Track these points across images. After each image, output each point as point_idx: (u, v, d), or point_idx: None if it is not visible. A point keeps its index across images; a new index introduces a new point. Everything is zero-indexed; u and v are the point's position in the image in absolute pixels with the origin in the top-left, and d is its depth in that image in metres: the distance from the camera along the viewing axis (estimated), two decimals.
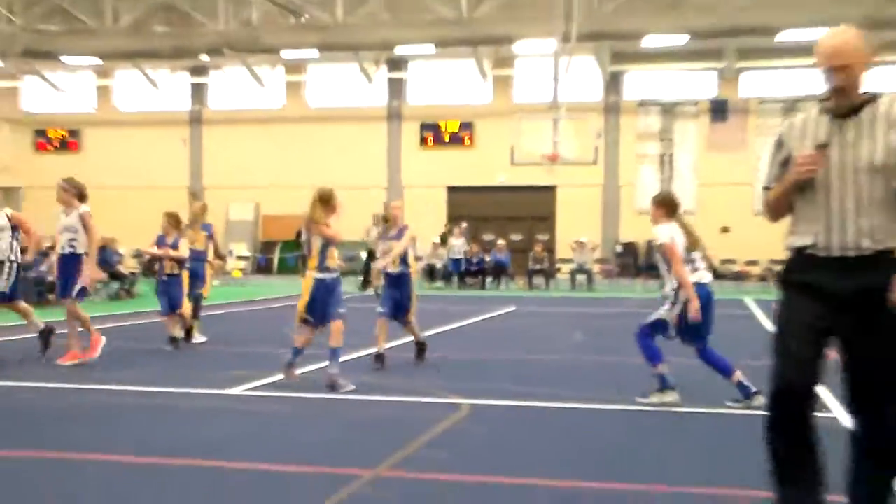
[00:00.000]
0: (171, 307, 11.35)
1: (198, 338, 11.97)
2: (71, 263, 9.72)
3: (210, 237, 12.48)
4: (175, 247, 11.41)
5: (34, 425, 6.90)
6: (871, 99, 3.80)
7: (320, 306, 8.32)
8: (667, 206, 7.58)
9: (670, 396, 7.39)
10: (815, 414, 3.78)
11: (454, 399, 7.79)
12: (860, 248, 3.73)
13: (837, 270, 3.76)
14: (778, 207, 4.01)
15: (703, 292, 7.34)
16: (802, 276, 3.87)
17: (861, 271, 3.73)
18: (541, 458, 5.87)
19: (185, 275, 11.54)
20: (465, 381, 8.83)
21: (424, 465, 5.58)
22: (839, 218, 3.76)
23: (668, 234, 7.37)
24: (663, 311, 7.41)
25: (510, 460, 5.82)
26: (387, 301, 9.81)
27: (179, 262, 11.44)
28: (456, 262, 26.86)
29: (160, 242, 11.50)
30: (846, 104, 3.80)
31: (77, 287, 9.69)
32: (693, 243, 7.51)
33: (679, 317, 7.29)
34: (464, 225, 28.16)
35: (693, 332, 7.33)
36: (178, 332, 11.45)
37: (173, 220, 11.60)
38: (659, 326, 7.44)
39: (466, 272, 26.94)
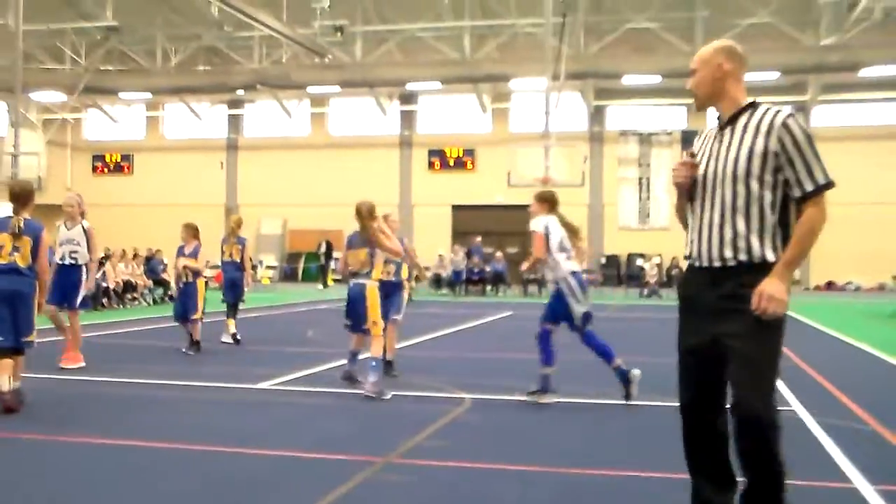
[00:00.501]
0: (184, 313, 10.59)
1: (229, 338, 11.49)
2: (73, 274, 8.90)
3: (242, 249, 11.71)
4: (194, 255, 10.75)
5: (80, 413, 6.76)
6: (748, 108, 3.42)
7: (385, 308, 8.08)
8: (548, 202, 7.39)
9: (636, 380, 7.10)
10: (722, 423, 3.46)
11: (458, 394, 7.63)
12: (724, 259, 3.36)
13: (705, 281, 3.42)
14: (680, 218, 3.69)
15: (578, 278, 7.22)
16: (685, 289, 3.57)
17: (725, 282, 3.35)
18: (539, 448, 5.72)
19: (201, 283, 10.77)
20: (468, 377, 8.67)
21: (431, 453, 5.44)
22: (707, 228, 3.41)
23: (542, 224, 7.22)
24: (577, 307, 7.15)
25: (510, 449, 5.67)
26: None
27: (195, 273, 10.73)
28: (457, 273, 26.86)
29: (180, 252, 10.86)
30: (723, 114, 3.46)
31: (80, 297, 8.96)
32: (571, 236, 7.31)
33: (558, 300, 7.15)
34: (478, 239, 27.99)
35: (566, 315, 7.21)
36: (197, 336, 10.53)
37: (191, 230, 10.94)
38: (588, 319, 7.22)
39: (468, 280, 26.86)
